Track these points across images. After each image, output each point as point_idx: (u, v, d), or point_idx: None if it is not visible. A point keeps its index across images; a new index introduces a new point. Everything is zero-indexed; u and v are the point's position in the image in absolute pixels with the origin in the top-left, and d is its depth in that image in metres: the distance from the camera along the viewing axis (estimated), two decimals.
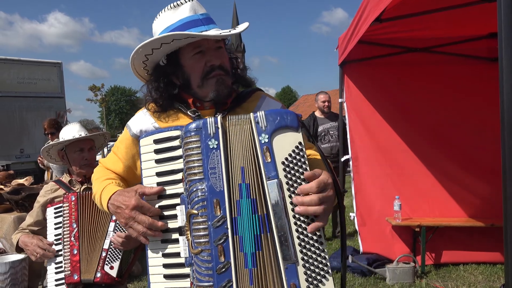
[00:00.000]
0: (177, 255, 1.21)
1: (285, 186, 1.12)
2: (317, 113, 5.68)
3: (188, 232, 1.15)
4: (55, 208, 2.42)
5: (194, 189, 1.14)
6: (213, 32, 1.32)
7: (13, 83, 9.22)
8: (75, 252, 2.28)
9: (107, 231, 2.27)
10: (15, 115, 9.25)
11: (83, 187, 2.55)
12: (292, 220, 1.11)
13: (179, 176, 1.22)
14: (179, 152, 1.22)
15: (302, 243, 1.10)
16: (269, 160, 1.12)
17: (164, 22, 1.37)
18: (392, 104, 4.59)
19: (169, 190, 1.24)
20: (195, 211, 1.13)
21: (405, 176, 4.56)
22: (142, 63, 1.41)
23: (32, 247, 2.33)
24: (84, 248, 2.28)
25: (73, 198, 2.35)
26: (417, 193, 4.54)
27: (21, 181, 5.05)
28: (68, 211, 2.35)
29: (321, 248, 1.11)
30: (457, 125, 4.47)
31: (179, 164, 1.22)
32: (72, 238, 2.29)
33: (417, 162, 4.55)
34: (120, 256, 2.25)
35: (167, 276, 1.23)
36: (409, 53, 4.50)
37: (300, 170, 1.13)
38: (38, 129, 6.40)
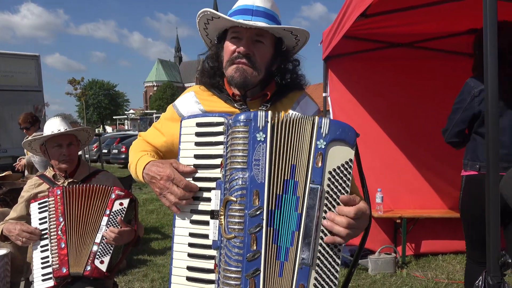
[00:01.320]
0: (205, 236, 1.24)
1: (324, 195, 1.15)
2: None
3: (222, 217, 1.17)
4: (39, 203, 2.39)
5: (235, 177, 1.16)
6: (251, 22, 1.37)
7: None
8: (63, 245, 2.25)
9: (100, 225, 2.25)
10: None
11: (68, 181, 2.53)
12: (320, 227, 1.15)
13: (216, 161, 1.24)
14: (219, 138, 1.24)
15: (322, 251, 1.15)
16: (320, 165, 1.15)
17: (235, 5, 1.48)
18: (375, 98, 4.66)
19: (205, 173, 1.26)
20: (234, 198, 1.15)
21: (387, 169, 4.66)
22: (206, 37, 1.55)
23: (17, 232, 2.29)
24: (73, 242, 2.26)
25: (59, 192, 2.32)
26: (398, 185, 4.64)
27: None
28: (54, 205, 2.32)
29: (337, 261, 1.17)
30: (437, 119, 4.56)
31: (218, 150, 1.24)
32: (59, 232, 2.27)
33: (399, 155, 4.65)
34: (111, 251, 2.25)
35: (191, 255, 1.26)
36: (392, 48, 4.59)
37: (343, 184, 1.16)
38: (15, 123, 6.25)
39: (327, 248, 1.16)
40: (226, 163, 1.20)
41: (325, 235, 1.15)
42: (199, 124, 1.28)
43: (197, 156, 1.27)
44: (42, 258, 2.32)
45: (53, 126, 2.57)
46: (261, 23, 1.39)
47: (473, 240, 2.58)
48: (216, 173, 1.25)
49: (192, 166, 1.27)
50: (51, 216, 2.31)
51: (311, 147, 1.16)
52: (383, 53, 4.59)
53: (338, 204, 1.16)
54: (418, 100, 4.58)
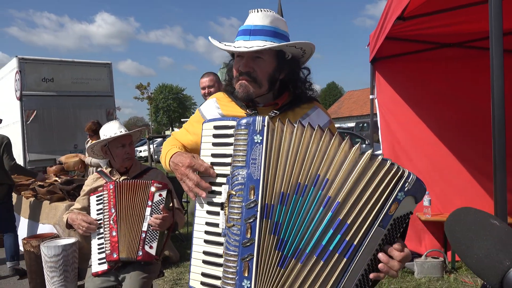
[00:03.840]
0: (217, 225, 1.41)
1: (382, 237, 1.25)
2: None
3: (226, 208, 1.34)
4: (97, 197, 2.72)
5: (236, 174, 1.32)
6: (248, 43, 1.54)
7: (68, 83, 9.85)
8: (114, 234, 2.56)
9: (144, 215, 2.55)
10: (70, 113, 9.86)
11: (123, 177, 2.85)
12: (367, 262, 1.25)
13: (229, 160, 1.40)
14: (232, 139, 1.38)
15: (361, 280, 1.25)
16: (391, 213, 1.23)
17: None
18: (423, 100, 4.59)
19: (219, 170, 1.43)
20: (234, 192, 1.31)
21: (436, 171, 4.56)
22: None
23: (78, 222, 2.64)
24: (122, 230, 2.56)
25: (111, 187, 2.64)
26: (448, 188, 4.52)
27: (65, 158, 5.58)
28: (107, 198, 2.64)
29: None
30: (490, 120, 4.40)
31: (230, 150, 1.39)
32: (111, 222, 2.58)
33: (449, 157, 4.54)
34: (157, 237, 2.54)
35: (207, 241, 1.42)
36: (441, 49, 4.49)
37: (398, 230, 1.26)
38: None
39: (365, 281, 1.25)
40: (232, 161, 1.36)
41: (367, 271, 1.25)
42: (216, 127, 1.45)
43: (213, 155, 1.44)
44: (98, 245, 2.65)
45: (114, 128, 2.91)
46: (256, 42, 1.53)
47: None
48: (229, 170, 1.40)
49: (210, 164, 1.44)
50: (105, 207, 2.64)
51: (391, 195, 1.22)
52: (431, 54, 4.52)
53: (389, 244, 1.25)
54: (469, 101, 4.44)
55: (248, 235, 1.28)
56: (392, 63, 4.69)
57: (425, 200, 4.35)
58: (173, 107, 70.49)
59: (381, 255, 1.23)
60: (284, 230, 1.27)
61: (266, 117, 1.33)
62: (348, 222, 1.22)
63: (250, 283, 1.26)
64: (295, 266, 1.26)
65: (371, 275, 1.24)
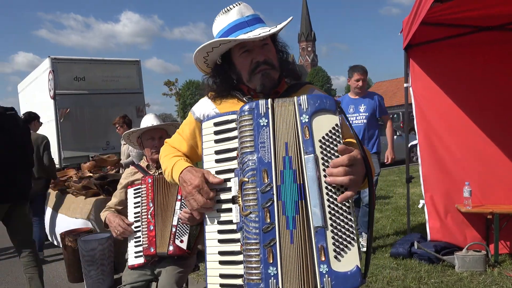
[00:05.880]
0: (230, 222, 1.37)
1: (320, 161, 1.24)
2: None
3: (240, 198, 1.31)
4: (135, 190, 2.74)
5: (246, 160, 1.30)
6: (256, 32, 1.50)
7: (99, 81, 10.04)
8: (152, 228, 2.57)
9: (174, 209, 2.54)
10: (101, 111, 10.06)
11: (159, 171, 2.85)
12: (324, 191, 1.23)
13: (234, 154, 1.38)
14: (235, 133, 1.37)
15: (332, 211, 1.22)
16: (308, 137, 1.26)
17: (218, 26, 1.60)
18: (462, 86, 4.40)
19: (225, 166, 1.41)
20: (246, 179, 1.29)
21: (477, 161, 4.37)
22: (203, 63, 1.66)
23: (114, 225, 2.67)
24: (158, 225, 2.56)
25: (150, 181, 2.64)
26: (490, 179, 4.33)
27: (104, 157, 5.71)
28: (145, 192, 2.64)
29: (348, 217, 1.21)
30: None
31: (234, 144, 1.38)
32: (149, 216, 2.59)
33: (490, 146, 4.34)
34: (188, 231, 2.52)
35: (221, 241, 1.39)
36: (480, 32, 4.29)
37: (335, 148, 1.25)
38: None
39: (336, 208, 1.22)
40: (239, 151, 1.33)
41: (331, 197, 1.23)
42: (216, 124, 1.43)
43: (217, 152, 1.42)
44: (135, 238, 2.66)
45: (148, 121, 2.95)
46: (259, 30, 1.51)
47: None
48: (235, 164, 1.38)
49: (214, 161, 1.41)
50: (143, 201, 2.64)
51: (297, 123, 1.28)
52: (470, 38, 4.31)
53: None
54: (509, 86, 4.23)
55: (268, 220, 1.25)
56: (427, 49, 4.51)
57: (465, 191, 4.17)
58: None
59: (326, 170, 1.24)
60: (286, 208, 1.26)
61: (269, 99, 1.32)
62: (294, 168, 1.26)
63: (276, 269, 1.23)
64: (296, 234, 1.24)
65: (338, 198, 1.22)
